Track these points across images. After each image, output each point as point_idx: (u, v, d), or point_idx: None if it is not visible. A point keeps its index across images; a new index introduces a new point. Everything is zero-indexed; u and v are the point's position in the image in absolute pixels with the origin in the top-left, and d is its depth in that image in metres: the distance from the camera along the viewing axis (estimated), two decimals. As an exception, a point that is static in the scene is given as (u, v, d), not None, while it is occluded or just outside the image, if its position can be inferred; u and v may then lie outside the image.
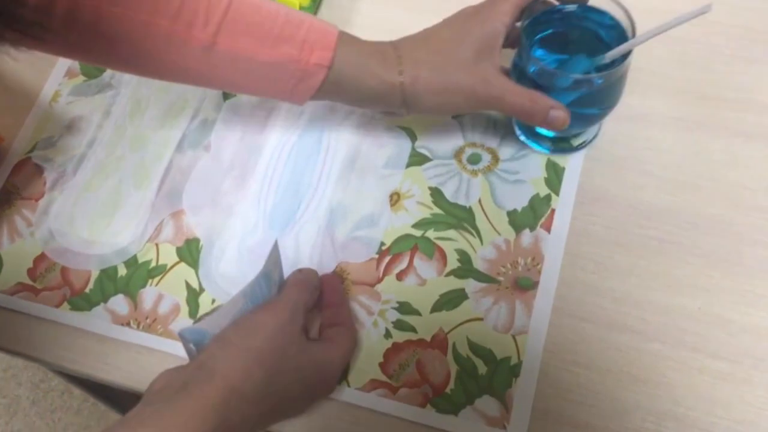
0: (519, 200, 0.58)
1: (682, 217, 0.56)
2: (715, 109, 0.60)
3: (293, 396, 0.49)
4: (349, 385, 0.53)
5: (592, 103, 0.54)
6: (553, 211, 0.57)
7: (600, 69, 0.52)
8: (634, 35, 0.52)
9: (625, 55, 0.51)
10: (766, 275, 0.54)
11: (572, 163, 0.59)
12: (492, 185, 0.59)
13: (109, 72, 0.66)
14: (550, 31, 0.55)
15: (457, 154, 0.60)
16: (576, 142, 0.59)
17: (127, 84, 0.65)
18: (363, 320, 0.55)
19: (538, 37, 0.55)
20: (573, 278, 0.55)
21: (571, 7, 0.54)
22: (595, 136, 0.60)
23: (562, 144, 0.59)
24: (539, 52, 0.55)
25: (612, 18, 0.53)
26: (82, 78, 0.66)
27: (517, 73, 0.54)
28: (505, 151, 0.60)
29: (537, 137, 0.59)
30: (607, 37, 0.54)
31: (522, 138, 0.60)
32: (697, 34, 0.63)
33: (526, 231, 0.57)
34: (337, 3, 0.68)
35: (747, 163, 0.58)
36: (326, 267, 0.57)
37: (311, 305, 0.53)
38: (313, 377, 0.50)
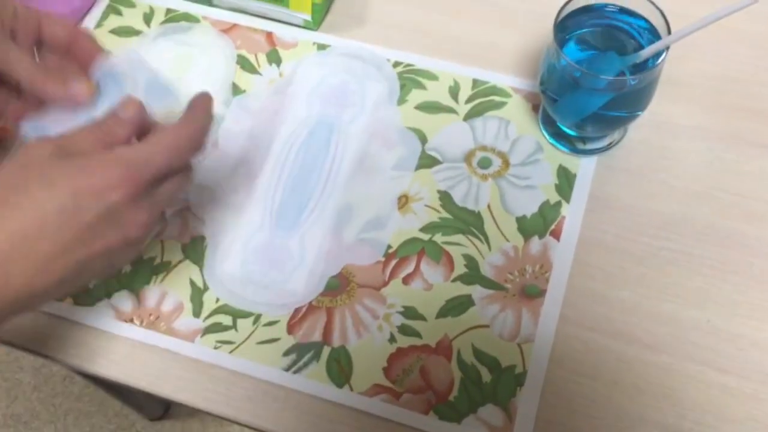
0: (529, 206, 0.57)
1: (695, 228, 0.56)
2: (731, 119, 0.59)
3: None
4: (352, 389, 0.52)
5: (622, 106, 0.53)
6: (563, 218, 0.57)
7: (632, 69, 0.51)
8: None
9: (659, 57, 0.50)
10: (778, 290, 0.53)
11: (583, 170, 0.58)
12: (502, 190, 0.58)
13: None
14: (583, 30, 0.54)
15: (468, 158, 0.59)
16: (600, 144, 0.59)
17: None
18: (368, 324, 0.54)
19: (569, 35, 0.54)
20: (581, 287, 0.54)
21: (608, 8, 0.53)
22: (620, 140, 0.59)
23: (585, 145, 0.59)
24: (570, 50, 0.54)
25: (645, 20, 0.52)
26: (90, 69, 0.65)
27: (548, 72, 0.53)
28: (516, 155, 0.59)
29: (561, 137, 0.59)
30: (641, 39, 0.53)
31: (546, 136, 0.59)
32: (716, 42, 0.62)
33: (535, 238, 0.56)
34: (350, 0, 0.67)
35: (760, 175, 0.57)
36: (332, 269, 0.56)
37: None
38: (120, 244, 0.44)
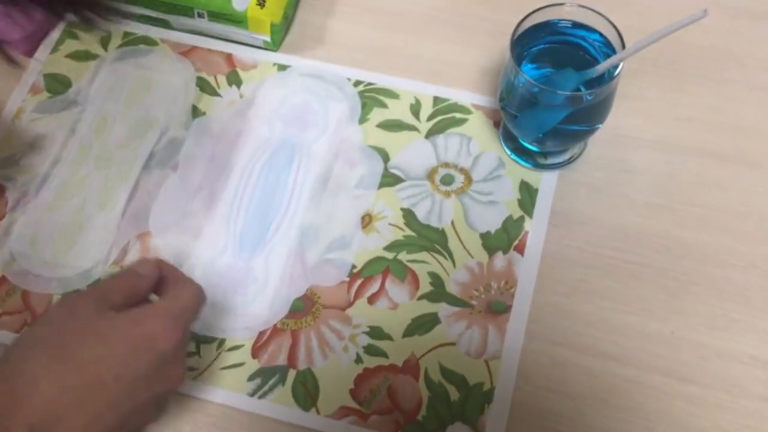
0: (492, 222, 0.57)
1: (656, 240, 0.56)
2: (689, 131, 0.60)
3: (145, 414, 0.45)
4: (318, 413, 0.52)
5: (581, 120, 0.54)
6: (526, 233, 0.57)
7: (589, 84, 0.52)
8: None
9: (615, 71, 0.51)
10: (739, 299, 0.54)
11: (545, 185, 0.58)
12: (465, 207, 0.58)
13: (74, 88, 0.64)
14: (539, 46, 0.55)
15: (431, 175, 0.59)
16: (561, 158, 0.59)
17: (93, 100, 0.64)
18: (333, 345, 0.54)
19: (526, 51, 0.55)
20: (546, 302, 0.54)
21: (562, 23, 0.54)
22: (581, 153, 0.59)
23: (546, 160, 0.59)
24: (528, 67, 0.54)
25: (600, 35, 0.53)
26: (46, 94, 0.64)
27: (507, 89, 0.54)
28: (479, 172, 0.59)
29: (523, 152, 0.59)
30: (595, 54, 0.54)
31: (507, 152, 0.60)
32: (670, 56, 0.63)
33: (499, 254, 0.56)
34: (310, 20, 0.67)
35: (720, 185, 0.58)
36: (296, 290, 0.55)
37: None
38: (161, 383, 0.45)
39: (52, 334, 0.42)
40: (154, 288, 0.48)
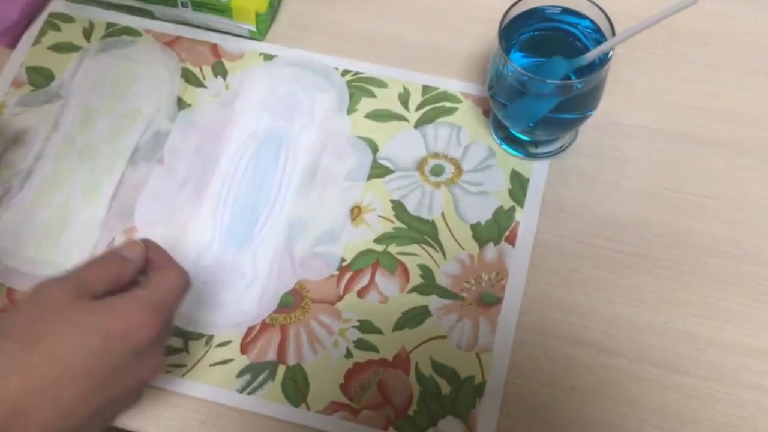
0: (483, 213, 0.56)
1: (648, 230, 0.55)
2: (680, 118, 0.59)
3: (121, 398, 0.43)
4: (308, 408, 0.51)
5: (572, 108, 0.53)
6: (517, 223, 0.56)
7: (579, 72, 0.51)
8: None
9: (605, 58, 0.50)
10: (732, 288, 0.53)
11: (536, 174, 0.58)
12: (455, 197, 0.57)
13: (57, 81, 0.63)
14: (528, 34, 0.54)
15: (420, 166, 0.59)
16: (552, 147, 0.58)
17: (77, 93, 0.62)
18: (323, 340, 0.53)
19: (515, 39, 0.54)
20: (538, 293, 0.54)
21: (551, 10, 0.53)
22: (572, 142, 0.59)
23: (537, 149, 0.58)
24: (517, 55, 0.53)
25: (590, 21, 0.52)
26: (29, 87, 0.63)
27: (496, 77, 0.53)
28: (469, 162, 0.58)
29: (513, 141, 0.58)
30: (585, 41, 0.53)
31: (497, 141, 0.59)
32: (662, 42, 0.62)
33: (490, 245, 0.55)
34: (296, 9, 0.66)
35: (713, 173, 0.57)
36: (285, 285, 0.55)
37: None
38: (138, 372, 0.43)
39: (24, 323, 0.41)
40: (140, 270, 0.46)
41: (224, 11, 0.62)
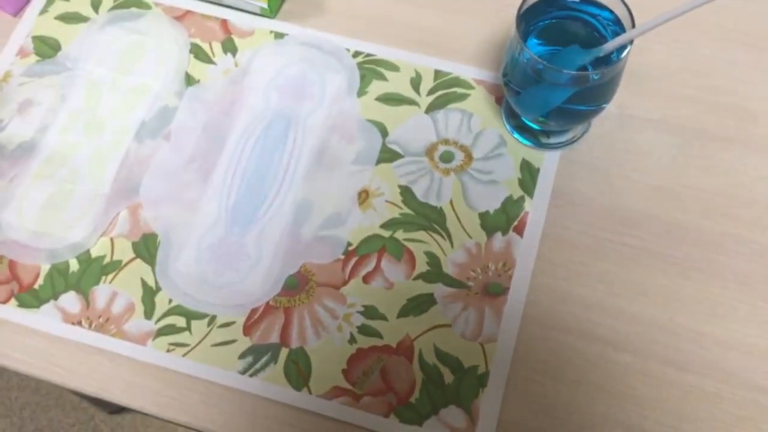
0: (491, 202, 0.56)
1: (657, 225, 0.55)
2: (695, 113, 0.59)
3: None
4: (310, 392, 0.51)
5: (586, 99, 0.52)
6: (526, 213, 0.56)
7: (596, 63, 0.50)
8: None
9: (623, 50, 0.49)
10: (740, 287, 0.53)
11: (547, 165, 0.57)
12: (464, 185, 0.57)
13: (64, 51, 0.62)
14: (546, 21, 0.53)
15: (430, 152, 0.58)
16: (564, 138, 0.58)
17: (84, 65, 0.61)
18: (327, 324, 0.53)
19: (532, 26, 0.53)
20: (544, 285, 0.54)
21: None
22: (584, 133, 0.58)
23: (549, 139, 0.58)
24: (533, 42, 0.53)
25: (610, 12, 0.51)
26: (35, 57, 0.62)
27: (511, 65, 0.52)
28: (479, 149, 0.58)
29: (524, 130, 0.57)
30: (604, 32, 0.52)
31: (508, 130, 0.58)
32: (679, 35, 0.61)
33: (498, 234, 0.55)
34: (308, -14, 0.65)
35: (724, 170, 0.57)
36: (290, 267, 0.54)
37: None
38: None
39: None
40: None
41: (236, -13, 0.61)
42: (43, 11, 0.64)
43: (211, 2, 0.64)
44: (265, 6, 0.62)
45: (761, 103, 0.59)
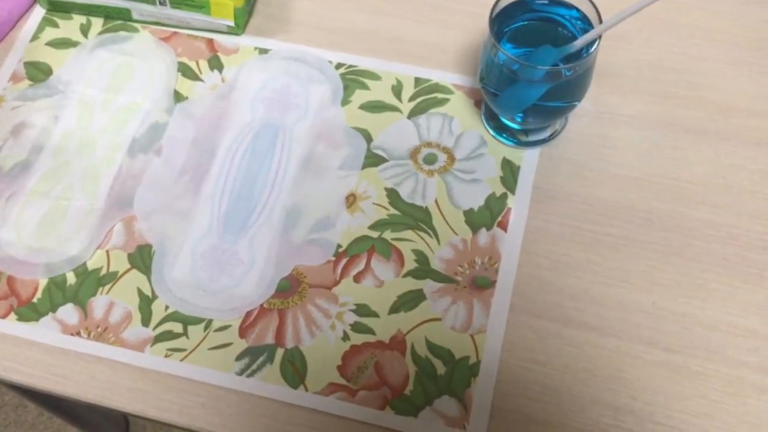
0: (475, 200, 0.58)
1: (636, 214, 0.57)
2: (666, 107, 0.61)
3: None
4: (307, 390, 0.52)
5: (560, 95, 0.54)
6: (509, 209, 0.57)
7: (567, 59, 0.52)
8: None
9: (592, 45, 0.51)
10: (718, 269, 0.55)
11: (527, 162, 0.59)
12: (448, 185, 0.58)
13: (55, 75, 0.64)
14: (517, 24, 0.55)
15: (413, 155, 0.60)
16: (542, 135, 0.60)
17: (75, 87, 0.63)
18: (320, 323, 0.54)
19: (505, 29, 0.55)
20: (530, 276, 0.55)
21: (538, 1, 0.54)
22: (562, 130, 0.60)
23: (528, 137, 0.60)
24: (507, 46, 0.55)
25: (578, 11, 0.54)
26: (27, 82, 0.64)
27: (487, 68, 0.54)
28: (461, 150, 0.60)
29: (504, 130, 0.60)
30: (573, 30, 0.54)
31: (489, 131, 0.60)
32: (647, 33, 0.64)
33: (483, 230, 0.57)
34: (273, 1, 0.67)
35: (699, 159, 0.59)
36: (282, 270, 0.56)
37: None
38: None
39: None
40: None
41: (202, 7, 0.63)
42: (34, 38, 0.66)
43: (178, 27, 0.66)
44: (232, 24, 0.64)
45: (731, 96, 0.61)
